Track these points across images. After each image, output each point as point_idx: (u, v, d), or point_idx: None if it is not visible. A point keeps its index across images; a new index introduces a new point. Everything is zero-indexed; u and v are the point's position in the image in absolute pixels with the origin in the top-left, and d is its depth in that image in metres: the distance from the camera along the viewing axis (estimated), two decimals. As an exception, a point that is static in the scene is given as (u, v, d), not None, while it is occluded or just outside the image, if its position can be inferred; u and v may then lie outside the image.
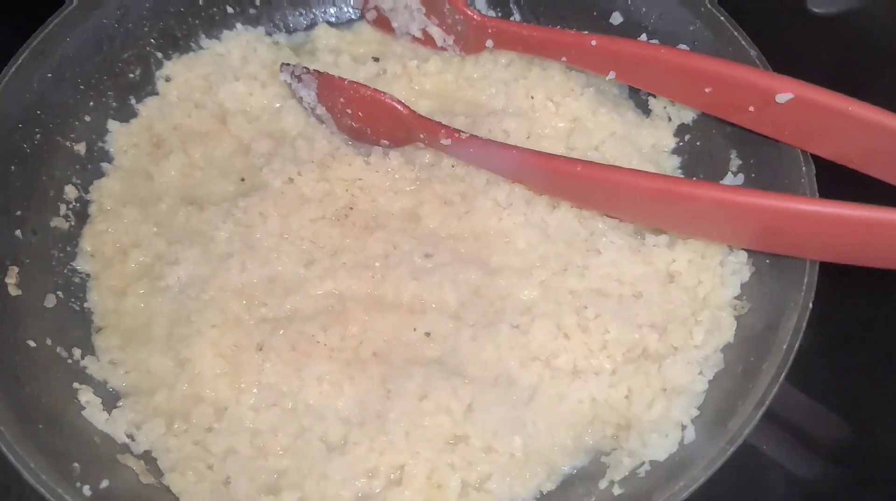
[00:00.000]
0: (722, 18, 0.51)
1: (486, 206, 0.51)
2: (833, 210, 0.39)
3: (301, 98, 0.54)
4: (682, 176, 0.53)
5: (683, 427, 0.42)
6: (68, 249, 0.50)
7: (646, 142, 0.55)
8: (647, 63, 0.49)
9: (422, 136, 0.51)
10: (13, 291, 0.46)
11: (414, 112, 0.51)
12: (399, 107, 0.50)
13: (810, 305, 0.41)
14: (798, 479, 0.49)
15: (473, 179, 0.52)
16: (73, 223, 0.51)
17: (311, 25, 0.61)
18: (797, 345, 0.40)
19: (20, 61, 0.49)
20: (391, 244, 0.50)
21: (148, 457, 0.44)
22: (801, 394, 0.50)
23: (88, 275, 0.50)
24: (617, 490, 0.41)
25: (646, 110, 0.56)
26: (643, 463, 0.42)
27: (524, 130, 0.54)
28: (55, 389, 0.44)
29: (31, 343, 0.45)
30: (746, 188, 0.47)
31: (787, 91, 0.43)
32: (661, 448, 0.42)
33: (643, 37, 0.54)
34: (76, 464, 0.40)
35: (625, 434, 0.44)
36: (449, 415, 0.44)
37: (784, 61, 0.48)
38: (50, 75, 0.51)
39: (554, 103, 0.55)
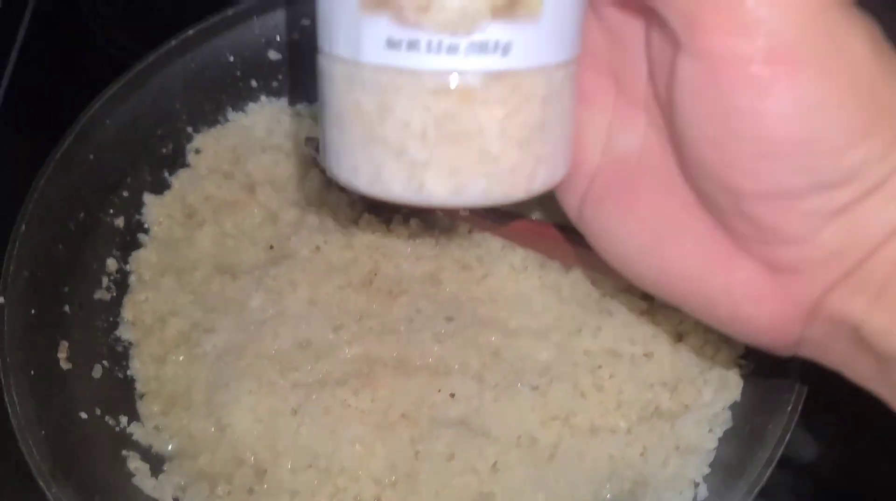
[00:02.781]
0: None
1: (503, 270, 0.54)
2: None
3: (325, 169, 0.58)
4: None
5: (696, 485, 0.45)
6: (111, 319, 0.53)
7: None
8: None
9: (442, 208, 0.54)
10: (64, 365, 0.49)
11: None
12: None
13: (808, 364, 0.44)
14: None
15: (489, 244, 0.55)
16: (114, 294, 0.54)
17: (331, 94, 0.64)
18: (801, 405, 0.44)
19: (66, 145, 0.52)
20: (415, 308, 0.53)
21: (195, 521, 0.47)
22: (811, 438, 0.52)
23: (130, 343, 0.53)
24: (636, 546, 0.44)
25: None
26: (660, 520, 0.45)
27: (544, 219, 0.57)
28: (106, 459, 0.47)
29: (84, 415, 0.47)
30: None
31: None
32: (677, 504, 0.45)
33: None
34: (132, 533, 0.43)
35: (642, 490, 0.47)
36: (475, 475, 0.47)
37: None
38: (92, 156, 0.54)
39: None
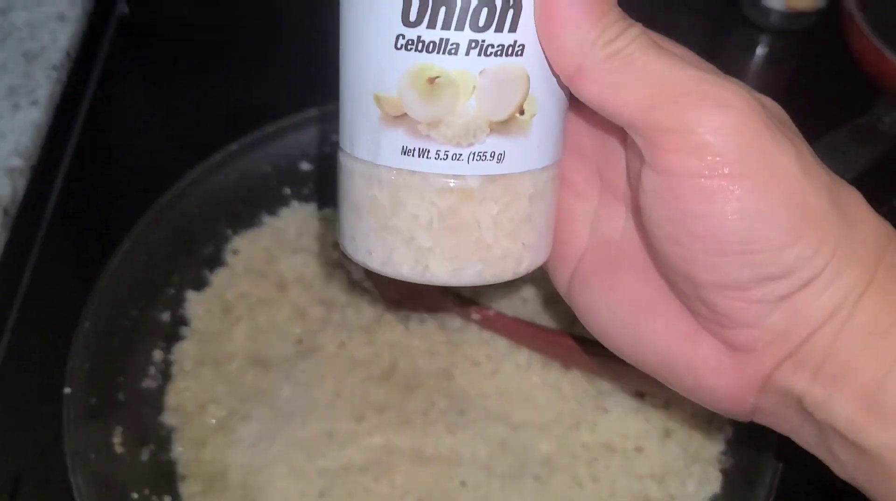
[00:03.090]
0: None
1: (509, 367, 0.60)
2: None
3: (350, 272, 0.64)
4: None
5: (681, 571, 0.51)
6: (156, 405, 0.59)
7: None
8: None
9: (455, 309, 0.61)
10: (119, 449, 0.54)
11: (450, 290, 0.61)
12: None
13: (780, 464, 0.50)
14: None
15: (497, 343, 0.61)
16: (159, 383, 0.60)
17: (356, 201, 0.71)
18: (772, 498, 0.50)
19: (124, 248, 0.59)
20: (430, 401, 0.59)
21: None
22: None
23: (173, 428, 0.59)
24: None
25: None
26: None
27: (541, 298, 0.64)
28: (155, 537, 0.53)
29: (135, 495, 0.53)
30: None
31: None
32: (663, 589, 0.50)
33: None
34: None
35: (632, 575, 0.52)
36: (484, 558, 0.53)
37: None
38: (145, 258, 0.61)
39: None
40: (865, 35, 0.69)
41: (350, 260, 0.42)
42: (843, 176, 0.61)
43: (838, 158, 0.66)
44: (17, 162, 0.73)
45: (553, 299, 0.64)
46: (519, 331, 0.58)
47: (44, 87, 0.79)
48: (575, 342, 0.56)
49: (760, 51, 0.82)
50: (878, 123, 0.67)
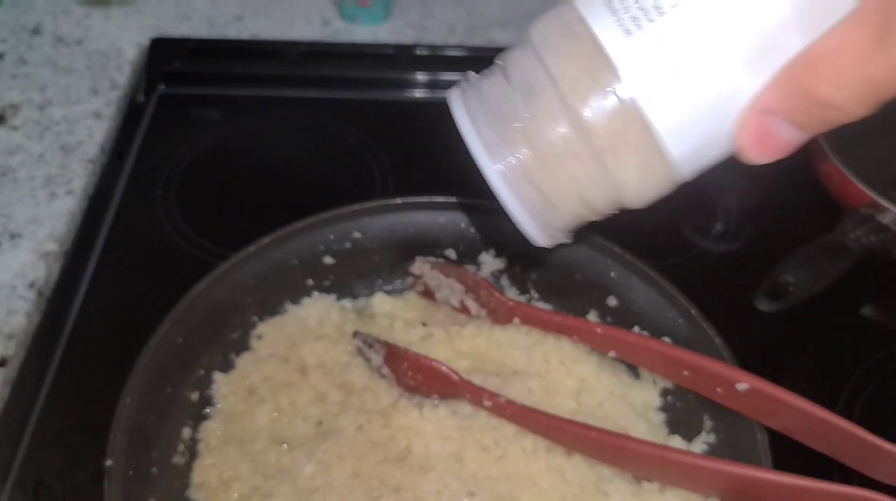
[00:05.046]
0: (693, 312, 0.67)
1: (516, 452, 0.65)
2: (778, 479, 0.53)
3: (369, 359, 0.69)
4: (668, 431, 0.68)
5: None
6: (184, 481, 0.62)
7: (637, 400, 0.69)
8: (639, 350, 0.65)
9: (468, 396, 0.66)
10: (152, 520, 0.58)
11: (463, 378, 0.66)
12: (452, 375, 0.65)
13: (770, 548, 0.55)
14: None
15: (505, 429, 0.66)
16: (187, 459, 0.64)
17: (371, 294, 0.76)
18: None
19: (163, 332, 0.64)
20: (442, 484, 0.63)
21: None
22: None
23: (198, 503, 0.62)
24: None
25: (636, 374, 0.71)
26: None
27: (543, 388, 0.69)
28: None
29: (167, 566, 0.56)
30: (718, 459, 0.62)
31: (744, 382, 0.59)
32: None
33: (636, 327, 0.70)
34: None
35: None
36: None
37: (738, 342, 0.65)
38: (180, 341, 0.65)
39: (565, 366, 0.70)
40: (829, 158, 0.78)
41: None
42: (815, 286, 0.69)
43: (811, 269, 0.73)
44: (53, 247, 0.79)
45: (554, 391, 0.70)
46: (527, 417, 0.63)
47: (80, 177, 0.85)
48: (580, 428, 0.61)
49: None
50: (844, 239, 0.75)
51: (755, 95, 0.36)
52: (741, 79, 0.36)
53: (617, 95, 0.37)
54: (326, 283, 0.75)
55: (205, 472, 0.64)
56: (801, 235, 0.76)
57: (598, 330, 0.66)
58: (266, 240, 0.71)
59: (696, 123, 0.37)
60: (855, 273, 0.74)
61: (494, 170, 0.40)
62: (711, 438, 0.65)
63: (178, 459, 0.63)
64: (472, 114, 0.41)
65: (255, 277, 0.71)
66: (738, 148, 0.37)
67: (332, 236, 0.74)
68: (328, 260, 0.74)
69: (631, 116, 0.37)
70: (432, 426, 0.66)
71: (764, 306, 0.72)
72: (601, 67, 0.37)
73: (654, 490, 0.62)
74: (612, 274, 0.72)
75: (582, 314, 0.73)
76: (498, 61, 0.43)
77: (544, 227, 0.43)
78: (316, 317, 0.73)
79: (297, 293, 0.74)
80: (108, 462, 0.56)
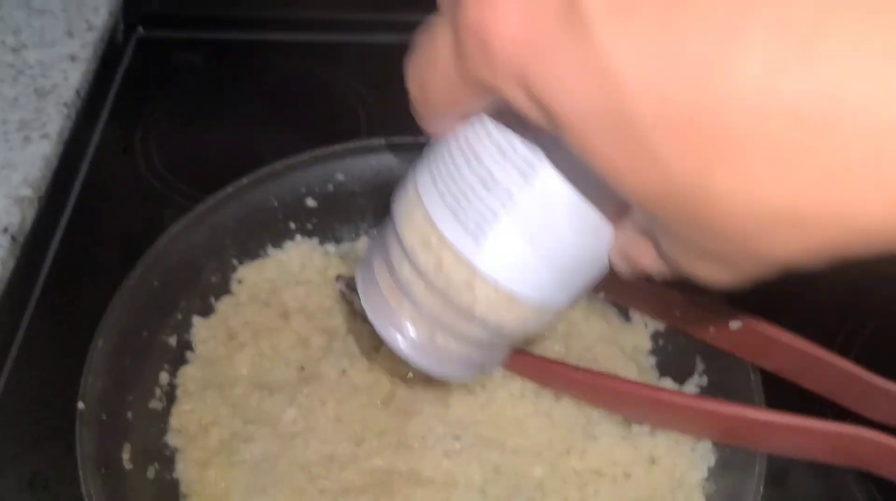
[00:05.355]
0: (686, 252, 0.65)
1: (503, 396, 0.63)
2: (772, 418, 0.52)
3: (352, 302, 0.67)
4: (658, 374, 0.66)
5: (668, 588, 0.53)
6: (161, 426, 0.61)
7: (628, 344, 0.68)
8: (629, 289, 0.63)
9: (453, 339, 0.64)
10: (127, 465, 0.56)
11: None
12: (437, 317, 0.63)
13: (761, 489, 0.54)
14: None
15: (492, 373, 0.64)
16: (164, 404, 0.62)
17: (356, 238, 0.74)
18: (753, 521, 0.53)
19: (137, 274, 0.62)
20: (427, 428, 0.62)
21: None
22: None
23: (176, 448, 0.61)
24: None
25: (627, 317, 0.69)
26: None
27: (531, 332, 0.67)
28: (160, 550, 0.54)
29: (142, 510, 0.55)
30: (708, 397, 0.60)
31: (737, 320, 0.57)
32: None
33: (626, 267, 0.68)
34: None
35: None
36: (480, 576, 0.55)
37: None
38: (156, 284, 0.63)
39: (554, 310, 0.69)
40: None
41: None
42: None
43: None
44: (27, 192, 0.76)
45: (542, 335, 0.68)
46: (514, 359, 0.61)
47: (55, 121, 0.82)
48: (569, 370, 0.59)
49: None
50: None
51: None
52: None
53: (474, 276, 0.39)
54: (309, 226, 0.73)
55: (183, 417, 0.62)
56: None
57: (588, 271, 0.64)
58: (245, 181, 0.69)
59: (552, 277, 0.40)
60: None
61: (403, 347, 0.44)
62: (703, 380, 0.63)
63: (155, 404, 0.61)
64: (368, 299, 0.45)
65: (235, 219, 0.69)
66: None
67: (314, 178, 0.72)
68: (311, 203, 0.72)
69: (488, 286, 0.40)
70: (417, 369, 0.64)
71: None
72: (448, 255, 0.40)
73: (644, 432, 0.60)
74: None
75: (572, 256, 0.71)
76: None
77: (488, 366, 0.49)
78: (298, 261, 0.71)
79: (278, 237, 0.72)
80: (80, 406, 0.55)
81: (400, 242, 0.41)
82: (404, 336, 0.44)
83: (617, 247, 0.38)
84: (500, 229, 0.38)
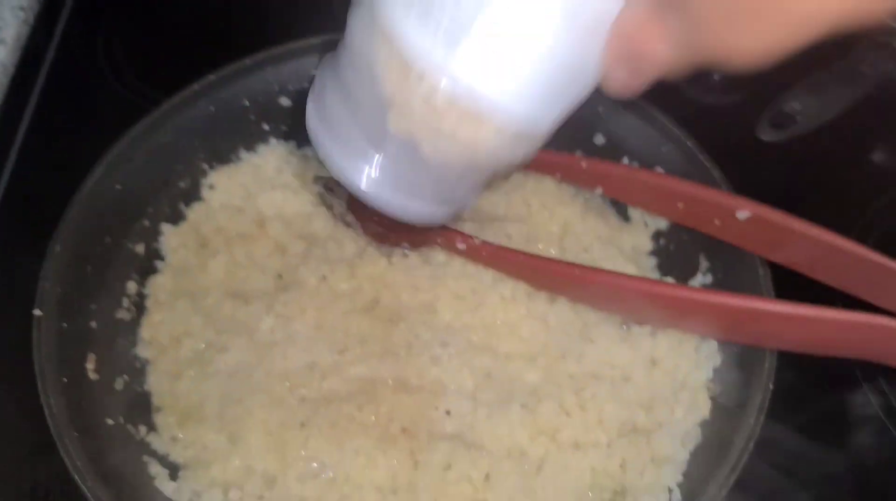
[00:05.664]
0: (689, 143, 0.61)
1: (494, 300, 0.59)
2: (784, 309, 0.48)
3: (332, 206, 0.63)
4: (659, 275, 0.62)
5: (670, 491, 0.50)
6: (130, 337, 0.57)
7: (627, 245, 0.63)
8: (628, 183, 0.58)
9: (439, 240, 0.60)
10: (92, 375, 0.52)
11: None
12: (422, 216, 0.59)
13: (770, 385, 0.50)
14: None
15: (482, 276, 0.60)
16: (133, 315, 0.58)
17: (335, 140, 0.69)
18: (761, 421, 0.49)
19: (96, 176, 0.57)
20: (413, 334, 0.58)
21: (210, 522, 0.51)
22: (770, 468, 0.57)
23: (147, 360, 0.57)
24: (618, 544, 0.49)
25: (626, 217, 0.65)
26: (638, 522, 0.50)
27: (523, 234, 0.63)
28: (130, 462, 0.50)
29: (109, 421, 0.51)
30: (715, 290, 0.56)
31: (745, 209, 0.53)
32: (653, 508, 0.50)
33: (625, 158, 0.63)
34: (157, 527, 0.47)
35: (621, 499, 0.52)
36: (470, 483, 0.52)
37: (740, 178, 0.58)
38: (118, 187, 0.59)
39: (548, 210, 0.64)
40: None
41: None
42: (824, 114, 0.61)
43: (820, 96, 0.66)
44: (-18, 99, 0.71)
45: (536, 237, 0.63)
46: (505, 259, 0.57)
47: (10, 27, 0.77)
48: (564, 266, 0.55)
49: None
50: (859, 65, 0.67)
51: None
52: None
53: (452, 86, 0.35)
54: (284, 128, 0.68)
55: (154, 328, 0.58)
56: (811, 62, 0.68)
57: (583, 164, 0.60)
58: (212, 77, 0.63)
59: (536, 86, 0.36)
60: (868, 104, 0.67)
61: (368, 185, 0.41)
62: (708, 278, 0.59)
63: (122, 314, 0.58)
64: (324, 136, 0.42)
65: (203, 119, 0.64)
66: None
67: (287, 75, 0.66)
68: (285, 102, 0.67)
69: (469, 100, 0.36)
70: (402, 275, 0.60)
71: (767, 135, 0.65)
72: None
73: (644, 334, 0.57)
74: (600, 109, 0.65)
75: (566, 154, 0.66)
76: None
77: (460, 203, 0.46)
78: (273, 165, 0.67)
79: (251, 140, 0.67)
80: (37, 312, 0.51)
81: (360, 60, 0.37)
82: (371, 169, 0.39)
83: (617, 41, 0.33)
84: (475, 30, 0.33)
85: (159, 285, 0.60)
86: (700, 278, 0.59)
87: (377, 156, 0.39)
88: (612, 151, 0.65)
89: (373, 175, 0.40)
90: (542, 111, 0.37)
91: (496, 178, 0.44)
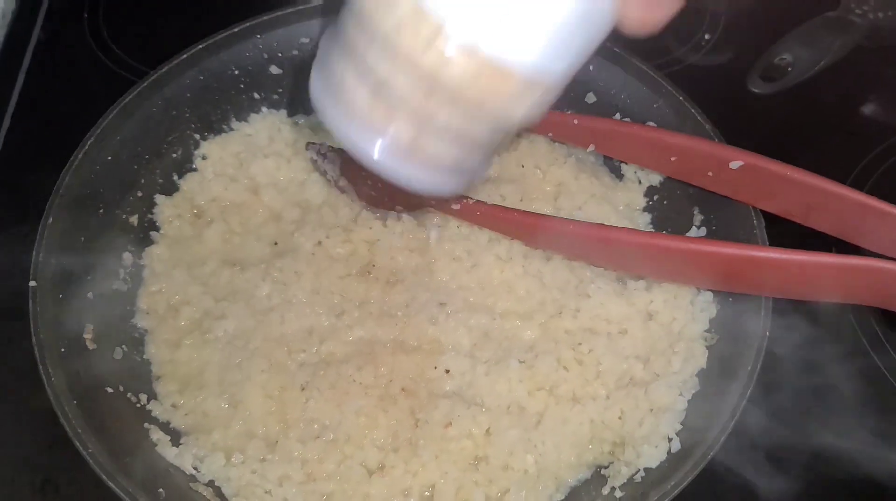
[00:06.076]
0: (681, 98, 0.60)
1: (490, 260, 0.59)
2: (780, 256, 0.48)
3: (325, 172, 0.63)
4: (653, 229, 0.62)
5: (670, 440, 0.50)
6: (128, 308, 0.57)
7: (620, 202, 0.63)
8: (621, 138, 0.58)
9: (433, 203, 0.60)
10: (90, 345, 0.52)
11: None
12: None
13: (767, 333, 0.50)
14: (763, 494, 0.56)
15: (478, 237, 0.60)
16: (130, 286, 0.58)
17: (327, 107, 0.69)
18: (759, 367, 0.49)
19: (86, 147, 0.57)
20: (410, 295, 0.58)
21: (213, 485, 0.51)
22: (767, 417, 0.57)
23: (146, 330, 0.57)
24: (618, 494, 0.49)
25: (619, 175, 0.65)
26: (638, 471, 0.50)
27: (517, 194, 0.63)
28: (132, 429, 0.51)
29: (109, 389, 0.51)
30: (710, 239, 0.56)
31: (738, 159, 0.53)
32: (653, 457, 0.50)
33: (617, 115, 0.63)
34: (161, 490, 0.47)
35: (620, 449, 0.52)
36: (471, 439, 0.52)
37: (732, 131, 0.58)
38: (109, 158, 0.58)
39: (541, 171, 0.64)
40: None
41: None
42: (815, 65, 0.61)
43: (812, 46, 0.66)
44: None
45: (530, 197, 0.63)
46: (499, 218, 0.57)
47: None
48: (559, 223, 0.55)
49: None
50: (850, 14, 0.67)
51: None
52: None
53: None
54: (275, 97, 0.67)
55: (151, 298, 0.58)
56: (803, 10, 0.67)
57: (575, 121, 0.60)
58: (200, 46, 0.63)
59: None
60: (859, 53, 0.67)
61: (380, 154, 0.39)
62: (702, 232, 0.59)
63: (119, 285, 0.58)
64: (332, 106, 0.40)
65: (193, 90, 0.63)
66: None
67: (276, 42, 0.66)
68: (274, 70, 0.66)
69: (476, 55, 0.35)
70: (397, 238, 0.60)
71: (759, 87, 0.65)
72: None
73: (640, 288, 0.57)
74: (591, 67, 0.65)
75: (558, 114, 0.66)
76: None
77: (474, 171, 0.43)
78: (265, 134, 0.66)
79: (243, 109, 0.66)
80: (32, 283, 0.51)
81: (371, 23, 0.36)
82: (384, 139, 0.37)
83: None
84: None
85: (156, 255, 0.60)
86: (695, 232, 0.59)
87: (391, 125, 0.37)
88: (603, 109, 0.65)
89: (387, 145, 0.38)
90: (558, 58, 0.36)
91: (506, 139, 0.42)
